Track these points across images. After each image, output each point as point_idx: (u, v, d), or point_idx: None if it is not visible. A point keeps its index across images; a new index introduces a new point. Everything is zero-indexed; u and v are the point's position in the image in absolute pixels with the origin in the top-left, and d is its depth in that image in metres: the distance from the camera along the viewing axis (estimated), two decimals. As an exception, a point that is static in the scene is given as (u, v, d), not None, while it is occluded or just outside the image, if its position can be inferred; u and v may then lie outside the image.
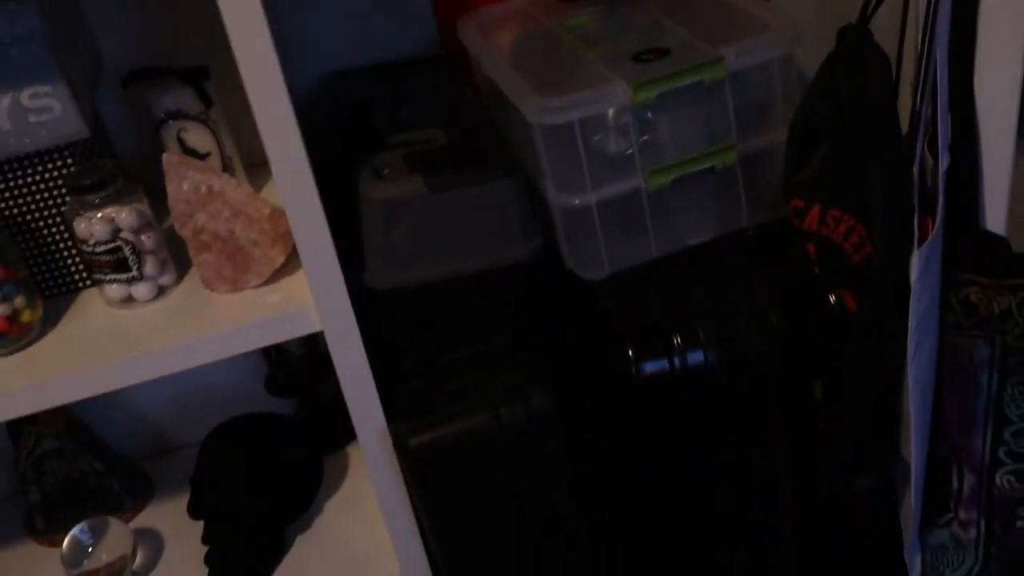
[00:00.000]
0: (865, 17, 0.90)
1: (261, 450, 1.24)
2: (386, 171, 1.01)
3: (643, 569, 1.11)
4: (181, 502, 1.33)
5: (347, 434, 1.39)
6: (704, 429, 1.02)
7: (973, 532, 1.00)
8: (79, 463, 1.29)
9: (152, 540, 1.29)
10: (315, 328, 1.00)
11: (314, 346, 1.34)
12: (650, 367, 0.99)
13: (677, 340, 0.99)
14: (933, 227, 0.87)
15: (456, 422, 1.03)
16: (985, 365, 0.93)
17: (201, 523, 1.26)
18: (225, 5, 0.83)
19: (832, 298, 0.99)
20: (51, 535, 1.30)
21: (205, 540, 1.22)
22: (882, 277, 0.89)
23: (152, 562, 1.26)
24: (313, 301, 0.99)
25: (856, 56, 0.91)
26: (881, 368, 0.93)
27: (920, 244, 0.86)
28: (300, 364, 1.33)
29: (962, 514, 1.00)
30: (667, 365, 0.99)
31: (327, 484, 1.32)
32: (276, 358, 1.32)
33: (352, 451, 1.38)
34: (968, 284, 0.92)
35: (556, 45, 1.10)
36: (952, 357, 0.95)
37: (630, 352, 0.99)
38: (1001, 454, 0.96)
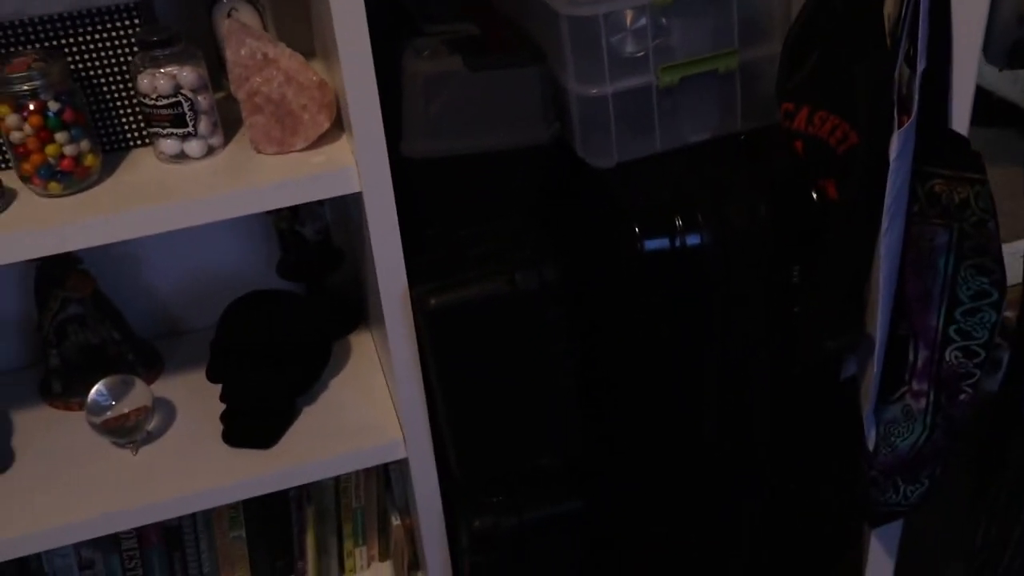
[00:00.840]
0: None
1: (278, 322, 1.33)
2: (427, 52, 1.12)
3: (634, 431, 1.23)
4: (191, 377, 1.42)
5: (350, 323, 1.49)
6: (697, 302, 1.14)
7: (923, 402, 1.14)
8: (100, 331, 1.37)
9: (165, 407, 1.37)
10: (355, 189, 1.10)
11: (327, 235, 1.44)
12: (653, 244, 1.12)
13: (678, 222, 1.12)
14: (909, 120, 1.01)
15: (474, 285, 1.14)
16: (943, 250, 1.08)
17: (214, 390, 1.34)
18: None
19: (814, 194, 1.13)
20: (66, 398, 1.38)
21: (223, 399, 1.30)
22: (865, 160, 1.02)
23: (166, 425, 1.34)
24: (355, 164, 1.09)
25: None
26: (857, 244, 1.06)
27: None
28: (313, 251, 1.42)
29: (915, 385, 1.14)
30: (668, 243, 1.12)
31: (332, 365, 1.42)
32: (291, 242, 1.41)
33: (354, 339, 1.48)
34: (933, 176, 1.06)
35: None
36: (915, 243, 1.09)
37: (636, 229, 1.11)
38: (952, 332, 1.11)
